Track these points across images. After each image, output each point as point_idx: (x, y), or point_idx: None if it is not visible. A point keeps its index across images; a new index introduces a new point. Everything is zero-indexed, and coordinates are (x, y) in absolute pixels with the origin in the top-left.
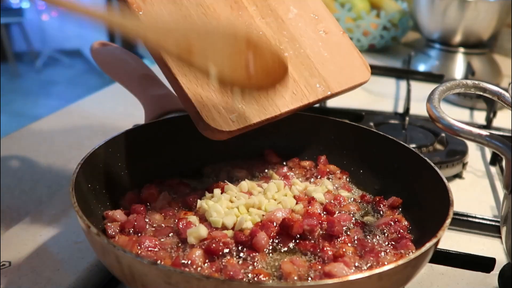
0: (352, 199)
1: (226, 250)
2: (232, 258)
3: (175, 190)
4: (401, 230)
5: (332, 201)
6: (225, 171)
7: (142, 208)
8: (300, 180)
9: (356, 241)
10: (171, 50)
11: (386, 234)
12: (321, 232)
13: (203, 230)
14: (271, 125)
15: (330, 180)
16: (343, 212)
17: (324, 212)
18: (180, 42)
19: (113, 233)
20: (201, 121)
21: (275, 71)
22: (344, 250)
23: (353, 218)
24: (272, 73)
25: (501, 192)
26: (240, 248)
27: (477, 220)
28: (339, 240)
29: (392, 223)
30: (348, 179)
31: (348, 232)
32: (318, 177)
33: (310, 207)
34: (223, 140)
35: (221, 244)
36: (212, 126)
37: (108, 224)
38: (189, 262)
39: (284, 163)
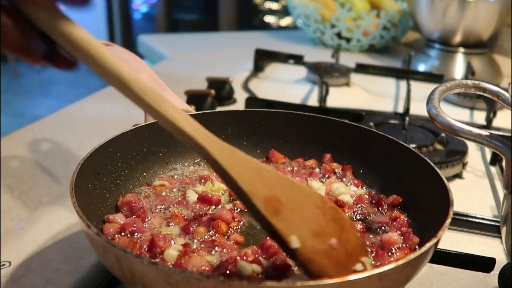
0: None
1: None
2: None
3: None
4: (402, 227)
5: (355, 201)
6: None
7: (142, 211)
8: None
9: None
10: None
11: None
12: None
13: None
14: (271, 126)
15: (338, 176)
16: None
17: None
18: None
19: (111, 235)
20: None
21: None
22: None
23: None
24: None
25: (501, 192)
26: None
27: (477, 220)
28: None
29: (392, 221)
30: (353, 173)
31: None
32: (326, 176)
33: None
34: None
35: None
36: None
37: (107, 224)
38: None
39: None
